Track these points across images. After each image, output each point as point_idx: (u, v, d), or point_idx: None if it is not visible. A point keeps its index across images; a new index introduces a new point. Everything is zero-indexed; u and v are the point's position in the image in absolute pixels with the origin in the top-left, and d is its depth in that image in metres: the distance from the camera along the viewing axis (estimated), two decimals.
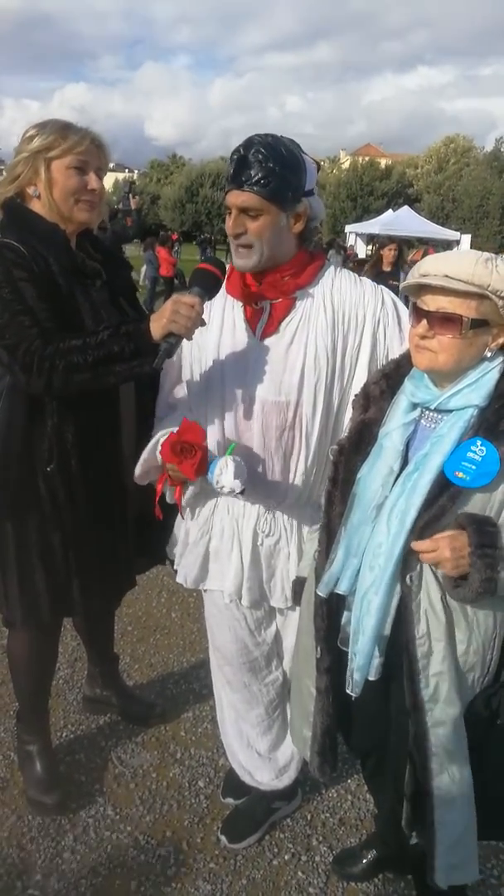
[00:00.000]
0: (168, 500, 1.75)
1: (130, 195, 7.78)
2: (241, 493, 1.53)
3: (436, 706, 1.32)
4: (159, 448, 1.61)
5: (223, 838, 1.99)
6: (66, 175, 1.73)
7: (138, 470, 1.77)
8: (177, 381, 1.80)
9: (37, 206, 1.77)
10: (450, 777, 1.34)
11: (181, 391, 1.80)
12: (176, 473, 1.60)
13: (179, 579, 1.86)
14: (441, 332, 1.29)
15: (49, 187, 1.73)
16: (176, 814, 2.09)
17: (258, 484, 1.65)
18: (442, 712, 1.32)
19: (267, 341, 1.63)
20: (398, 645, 1.35)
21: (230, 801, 2.10)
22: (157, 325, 1.55)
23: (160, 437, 1.66)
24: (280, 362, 1.61)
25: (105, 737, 2.39)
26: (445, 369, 1.32)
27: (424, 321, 1.30)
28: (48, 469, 1.76)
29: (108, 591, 2.04)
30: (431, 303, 1.30)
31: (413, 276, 1.34)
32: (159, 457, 1.63)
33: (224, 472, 1.50)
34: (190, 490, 1.69)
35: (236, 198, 1.54)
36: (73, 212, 1.77)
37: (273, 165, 1.49)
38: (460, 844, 1.37)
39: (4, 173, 1.80)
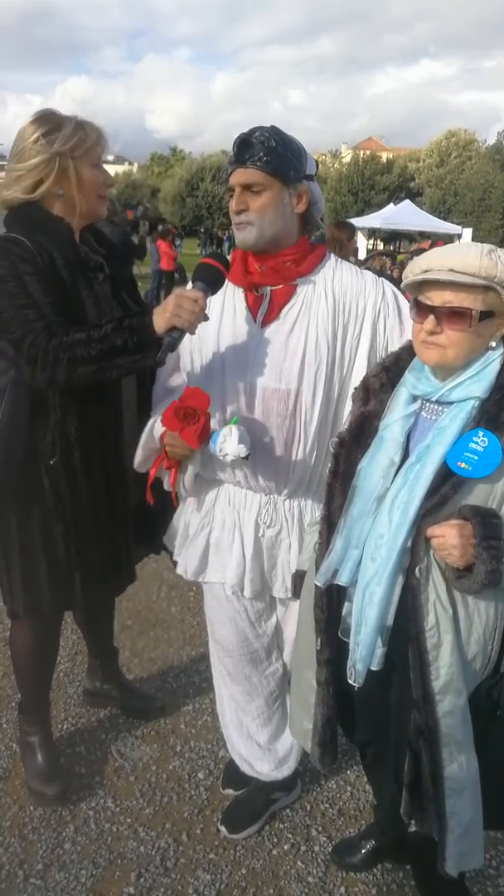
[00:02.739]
0: (164, 486, 1.75)
1: (141, 222, 8.33)
2: (246, 458, 1.52)
3: (445, 697, 1.32)
4: (158, 431, 1.61)
5: (223, 829, 2.00)
6: (92, 173, 1.75)
7: (138, 456, 1.77)
8: (174, 368, 1.80)
9: (56, 205, 1.75)
10: (459, 766, 1.34)
11: (178, 377, 1.80)
12: (174, 448, 1.60)
13: (179, 570, 1.87)
14: (450, 326, 1.29)
15: (79, 186, 1.73)
16: (176, 805, 2.10)
17: (259, 471, 1.66)
18: (451, 703, 1.33)
19: (267, 328, 1.63)
20: (402, 636, 1.35)
21: (230, 792, 2.12)
22: (161, 319, 1.55)
23: (157, 419, 1.67)
24: (280, 349, 1.62)
25: (105, 730, 2.40)
26: (456, 364, 1.33)
27: (431, 317, 1.29)
28: (51, 462, 1.77)
29: (109, 585, 2.05)
30: (437, 298, 1.29)
31: (413, 273, 1.33)
32: (158, 429, 1.62)
33: (228, 440, 1.50)
34: (189, 471, 1.69)
35: (240, 176, 1.57)
36: (95, 208, 1.80)
37: (275, 145, 1.54)
38: (469, 831, 1.37)
39: (6, 169, 1.79)
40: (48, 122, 1.73)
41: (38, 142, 1.70)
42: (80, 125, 1.74)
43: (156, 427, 1.69)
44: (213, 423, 1.63)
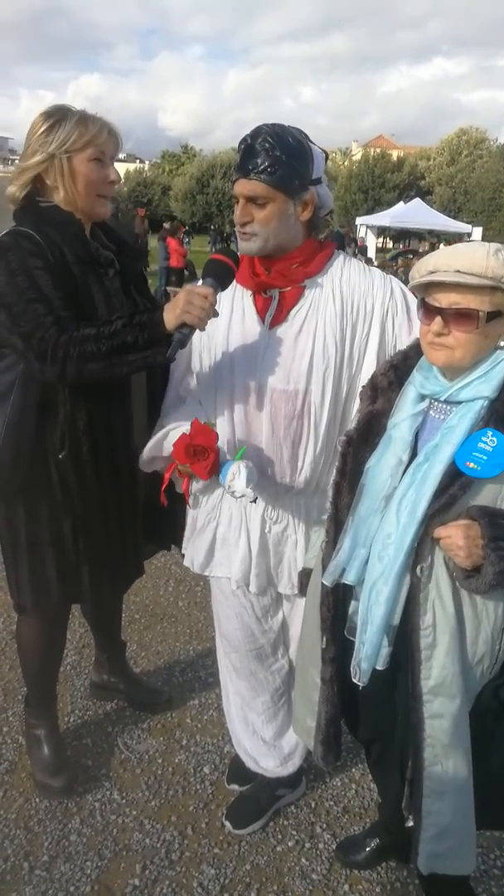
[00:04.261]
0: (176, 489, 1.76)
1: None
2: (254, 501, 1.57)
3: (436, 698, 1.32)
4: (169, 446, 1.64)
5: (228, 824, 2.01)
6: (89, 168, 1.73)
7: (144, 455, 1.79)
8: (187, 370, 1.81)
9: (57, 198, 1.75)
10: (442, 769, 1.34)
11: (191, 380, 1.81)
12: (187, 469, 1.62)
13: (186, 563, 1.88)
14: (457, 327, 1.29)
15: (72, 180, 1.72)
16: (181, 799, 2.11)
17: (266, 472, 1.66)
18: (442, 705, 1.33)
19: (276, 330, 1.63)
20: (405, 635, 1.35)
21: (235, 787, 2.12)
22: (171, 316, 1.55)
23: (169, 430, 1.70)
24: (289, 350, 1.62)
25: (112, 722, 2.42)
26: (463, 365, 1.32)
27: (439, 318, 1.29)
28: (60, 456, 1.77)
29: (117, 579, 2.06)
30: (444, 299, 1.29)
31: (420, 274, 1.32)
32: (168, 445, 1.65)
33: (237, 478, 1.53)
34: (199, 482, 1.71)
35: (243, 187, 1.55)
36: (94, 207, 1.78)
37: (280, 154, 1.50)
38: (446, 835, 1.38)
39: (17, 163, 1.79)
40: (52, 116, 1.72)
41: (39, 136, 1.71)
42: (83, 120, 1.72)
43: (166, 442, 1.70)
44: (222, 435, 1.65)
